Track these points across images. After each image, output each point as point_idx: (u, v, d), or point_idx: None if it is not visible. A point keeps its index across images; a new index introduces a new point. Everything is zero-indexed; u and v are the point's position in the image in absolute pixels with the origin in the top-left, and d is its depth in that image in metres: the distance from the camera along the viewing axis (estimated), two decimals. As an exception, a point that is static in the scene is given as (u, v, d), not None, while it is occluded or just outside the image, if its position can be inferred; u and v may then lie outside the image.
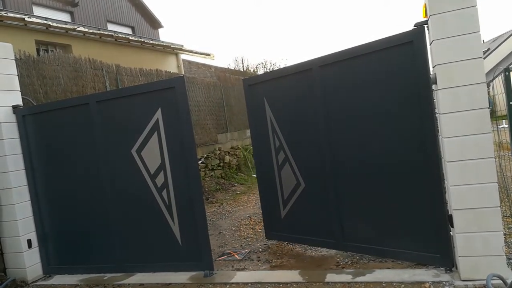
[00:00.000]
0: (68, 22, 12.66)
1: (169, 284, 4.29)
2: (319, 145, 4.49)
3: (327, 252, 4.66)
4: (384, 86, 3.95)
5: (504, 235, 3.42)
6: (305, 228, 4.85)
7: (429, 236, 3.76)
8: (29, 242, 4.94)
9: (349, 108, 4.22)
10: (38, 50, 10.59)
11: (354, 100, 4.17)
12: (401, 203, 3.95)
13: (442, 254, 3.66)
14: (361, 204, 4.26)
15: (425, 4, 3.46)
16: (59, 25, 10.97)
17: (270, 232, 5.36)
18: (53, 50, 10.67)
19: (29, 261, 4.90)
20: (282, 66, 30.08)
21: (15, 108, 4.98)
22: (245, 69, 26.16)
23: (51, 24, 10.55)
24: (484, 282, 3.14)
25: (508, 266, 3.42)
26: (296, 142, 4.79)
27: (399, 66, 3.80)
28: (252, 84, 5.26)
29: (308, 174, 4.73)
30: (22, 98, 5.16)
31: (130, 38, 13.52)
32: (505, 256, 3.33)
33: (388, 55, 3.86)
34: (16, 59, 5.36)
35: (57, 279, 4.92)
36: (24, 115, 5.00)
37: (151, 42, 14.43)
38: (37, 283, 4.86)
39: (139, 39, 13.96)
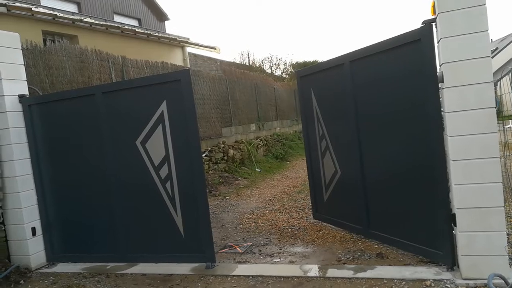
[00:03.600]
0: (75, 13, 12.67)
1: (171, 274, 4.33)
2: (350, 136, 4.72)
3: (329, 247, 4.68)
4: (395, 83, 4.06)
5: (507, 235, 3.42)
6: (341, 212, 5.21)
7: (434, 233, 3.79)
8: (33, 230, 4.98)
9: (370, 104, 4.45)
10: (44, 40, 10.62)
11: (373, 96, 4.40)
12: (412, 199, 4.04)
13: (444, 252, 3.67)
14: (382, 196, 4.46)
15: (434, 1, 3.44)
16: (66, 16, 10.98)
17: (316, 213, 5.87)
18: (59, 41, 10.70)
19: (33, 249, 4.95)
20: (288, 61, 30.10)
21: (21, 97, 5.00)
22: (250, 64, 26.14)
23: (58, 15, 10.56)
24: (485, 281, 3.14)
25: (510, 266, 3.42)
26: (334, 132, 5.16)
27: (408, 64, 3.86)
28: (302, 76, 5.73)
29: (343, 163, 5.03)
30: (28, 87, 5.18)
31: (137, 30, 13.52)
32: (507, 256, 3.33)
33: (398, 53, 3.97)
34: (23, 49, 5.38)
35: (60, 267, 4.97)
36: (30, 105, 5.03)
37: (157, 34, 14.42)
38: (41, 271, 4.92)
39: (146, 31, 13.96)
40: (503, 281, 3.07)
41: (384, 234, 4.45)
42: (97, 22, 11.96)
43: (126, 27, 12.98)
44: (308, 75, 5.60)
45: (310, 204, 7.00)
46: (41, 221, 5.10)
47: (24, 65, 5.15)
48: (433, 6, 3.47)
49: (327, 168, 5.35)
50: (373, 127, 4.43)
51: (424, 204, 3.86)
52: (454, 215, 3.45)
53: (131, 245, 4.74)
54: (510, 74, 3.76)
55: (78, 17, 11.41)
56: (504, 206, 3.32)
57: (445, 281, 3.43)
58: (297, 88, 5.91)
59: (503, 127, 4.00)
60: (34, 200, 5.05)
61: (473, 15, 3.21)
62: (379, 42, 4.16)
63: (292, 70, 30.16)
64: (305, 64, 31.32)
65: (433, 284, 3.40)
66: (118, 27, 12.52)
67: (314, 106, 5.44)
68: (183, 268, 4.42)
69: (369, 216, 4.63)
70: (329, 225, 5.56)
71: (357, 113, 4.59)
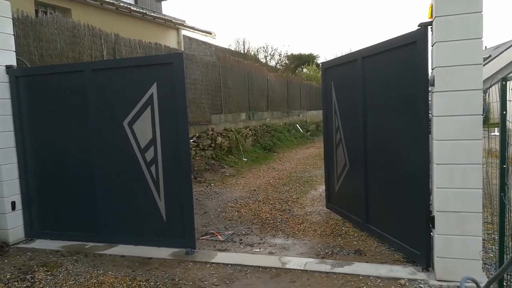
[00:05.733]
0: (69, -15, 12.34)
1: (150, 258, 4.32)
2: (358, 131, 4.81)
3: (309, 241, 4.73)
4: (394, 84, 4.14)
5: (482, 240, 3.50)
6: (347, 204, 5.37)
7: (413, 233, 3.86)
8: (13, 204, 4.92)
9: (374, 101, 4.55)
10: (36, 11, 10.35)
11: (377, 94, 4.50)
12: (400, 197, 4.12)
13: (421, 252, 3.74)
14: (379, 192, 4.56)
15: (432, 5, 3.44)
16: (60, -12, 10.71)
17: (328, 203, 6.04)
18: (52, 13, 10.44)
19: (11, 223, 4.90)
20: (283, 52, 29.96)
21: (8, 68, 4.89)
22: (245, 52, 25.98)
23: (52, -14, 10.30)
24: (458, 283, 3.22)
25: (484, 271, 3.50)
26: (346, 125, 5.28)
27: (404, 66, 3.91)
28: (326, 68, 5.83)
29: (351, 157, 5.16)
30: (16, 58, 5.06)
31: (132, 8, 13.26)
32: (481, 261, 3.41)
33: (397, 54, 4.04)
34: (13, 19, 5.24)
35: (39, 243, 4.92)
36: (18, 76, 4.92)
37: (152, 14, 14.17)
38: (18, 246, 4.87)
39: (141, 11, 13.69)
40: (475, 285, 3.14)
41: (378, 230, 4.56)
42: (92, -4, 11.68)
43: (121, 4, 12.72)
44: (330, 67, 5.70)
45: (294, 197, 7.06)
46: (22, 195, 5.03)
47: (14, 35, 5.02)
48: (431, 9, 3.48)
49: (339, 159, 5.51)
50: (375, 122, 4.54)
51: (409, 204, 3.93)
52: (433, 217, 3.51)
53: (112, 226, 4.72)
54: (499, 84, 3.80)
55: (73, -10, 11.14)
56: (482, 212, 3.39)
57: (419, 281, 3.50)
58: (321, 80, 6.04)
59: (488, 135, 4.05)
60: (16, 174, 4.98)
61: (469, 21, 3.23)
62: (384, 41, 4.24)
63: (286, 61, 30.07)
64: (300, 57, 31.25)
65: (407, 284, 3.47)
66: (113, 3, 12.26)
67: (333, 99, 5.56)
68: (163, 253, 4.42)
69: (368, 211, 4.74)
70: (311, 219, 5.62)
71: (364, 110, 4.68)
